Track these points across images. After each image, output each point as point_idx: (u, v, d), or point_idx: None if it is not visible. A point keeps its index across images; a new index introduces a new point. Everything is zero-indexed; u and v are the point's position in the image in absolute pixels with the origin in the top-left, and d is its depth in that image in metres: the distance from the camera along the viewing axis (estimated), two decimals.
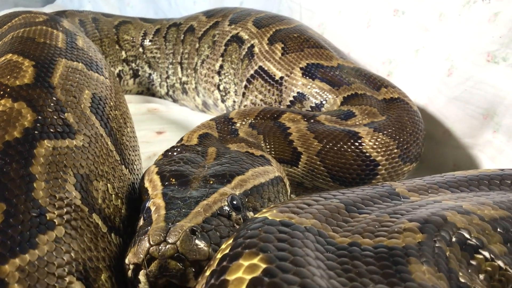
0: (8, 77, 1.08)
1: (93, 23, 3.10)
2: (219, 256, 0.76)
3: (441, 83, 2.03)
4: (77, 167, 1.01)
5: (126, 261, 0.92)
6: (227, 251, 0.74)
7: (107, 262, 0.95)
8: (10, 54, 1.21)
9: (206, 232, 0.92)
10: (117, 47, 3.09)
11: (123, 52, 3.09)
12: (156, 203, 1.01)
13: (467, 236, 0.80)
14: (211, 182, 1.10)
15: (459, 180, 1.03)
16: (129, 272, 0.92)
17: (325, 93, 1.91)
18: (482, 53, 1.88)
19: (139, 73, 3.12)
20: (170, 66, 2.98)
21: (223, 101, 2.56)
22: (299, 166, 1.58)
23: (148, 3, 4.45)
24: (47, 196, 0.89)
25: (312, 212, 0.82)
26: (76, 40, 1.46)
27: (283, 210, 0.82)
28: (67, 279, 0.81)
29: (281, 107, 2.03)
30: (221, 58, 2.53)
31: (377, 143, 1.56)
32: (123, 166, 1.27)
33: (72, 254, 0.85)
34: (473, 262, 0.79)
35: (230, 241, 0.77)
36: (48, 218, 0.85)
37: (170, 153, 1.35)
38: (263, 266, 0.66)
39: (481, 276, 0.78)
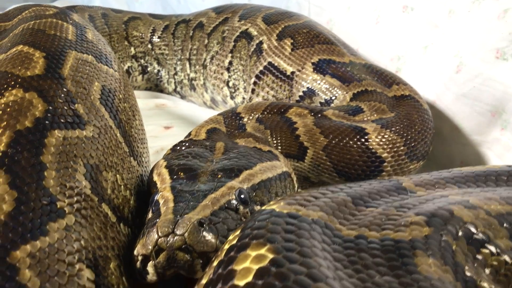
0: (20, 67, 1.09)
1: (102, 19, 3.10)
2: (226, 246, 0.76)
3: (450, 80, 2.01)
4: (87, 157, 1.02)
5: (135, 252, 0.93)
6: (234, 241, 0.75)
7: (116, 251, 0.96)
8: (21, 46, 1.22)
9: (213, 224, 0.93)
10: (126, 43, 3.08)
11: (132, 48, 3.09)
12: (164, 196, 1.02)
13: (474, 230, 0.80)
14: (219, 176, 1.10)
15: (466, 175, 1.03)
16: (138, 263, 0.93)
17: (335, 89, 1.89)
18: (491, 50, 1.87)
19: (148, 70, 3.12)
20: (179, 62, 2.97)
21: (232, 97, 2.56)
22: (305, 160, 1.58)
23: None
24: (58, 185, 0.90)
25: (319, 204, 0.83)
26: (85, 33, 1.47)
27: (290, 203, 0.83)
28: (77, 266, 0.82)
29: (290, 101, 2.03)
30: (230, 55, 2.52)
31: (383, 140, 1.56)
32: (131, 158, 1.28)
33: (82, 242, 0.86)
34: (479, 257, 0.79)
35: (238, 232, 0.78)
36: (58, 206, 0.86)
37: (178, 148, 1.36)
38: (270, 256, 0.67)
39: (487, 271, 0.78)
